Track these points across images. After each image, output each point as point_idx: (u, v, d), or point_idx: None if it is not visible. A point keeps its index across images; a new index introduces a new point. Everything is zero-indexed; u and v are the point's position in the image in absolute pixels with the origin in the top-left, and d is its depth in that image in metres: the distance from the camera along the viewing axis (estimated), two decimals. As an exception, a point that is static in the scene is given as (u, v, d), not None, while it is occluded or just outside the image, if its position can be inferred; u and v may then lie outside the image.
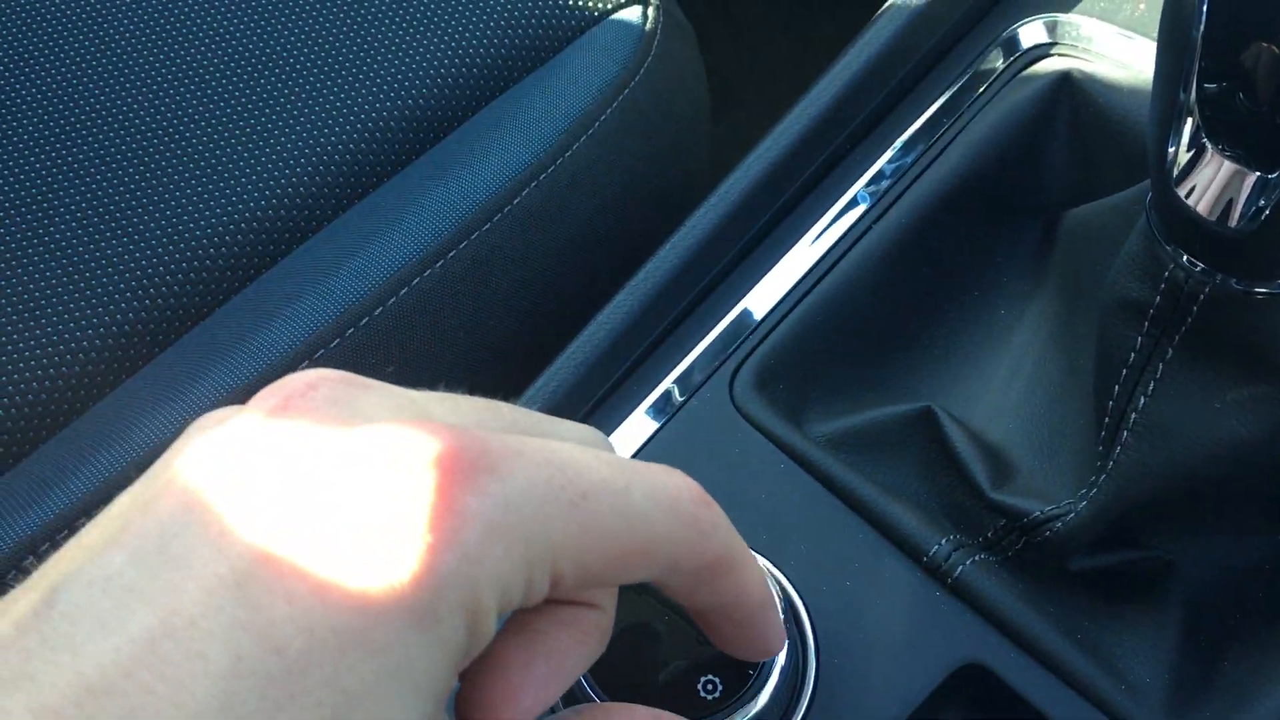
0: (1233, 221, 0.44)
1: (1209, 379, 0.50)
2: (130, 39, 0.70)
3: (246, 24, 0.70)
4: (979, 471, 0.57)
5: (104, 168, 0.66)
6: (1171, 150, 0.45)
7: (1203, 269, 0.47)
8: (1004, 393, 0.62)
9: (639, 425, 0.60)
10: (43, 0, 0.70)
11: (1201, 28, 0.43)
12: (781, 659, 0.51)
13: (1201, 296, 0.48)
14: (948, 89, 0.67)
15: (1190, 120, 0.44)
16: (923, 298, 0.65)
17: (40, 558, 0.54)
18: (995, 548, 0.57)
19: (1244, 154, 0.43)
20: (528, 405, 0.59)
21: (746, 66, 1.39)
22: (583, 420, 0.61)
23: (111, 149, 0.67)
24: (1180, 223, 0.47)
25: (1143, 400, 0.51)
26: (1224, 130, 0.44)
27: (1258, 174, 0.43)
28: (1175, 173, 0.45)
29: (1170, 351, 0.50)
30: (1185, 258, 0.47)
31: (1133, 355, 0.51)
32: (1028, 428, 0.59)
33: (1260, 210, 0.43)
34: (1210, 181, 0.44)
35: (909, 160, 0.65)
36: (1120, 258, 0.51)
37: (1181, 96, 0.44)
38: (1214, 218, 0.45)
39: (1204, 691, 0.53)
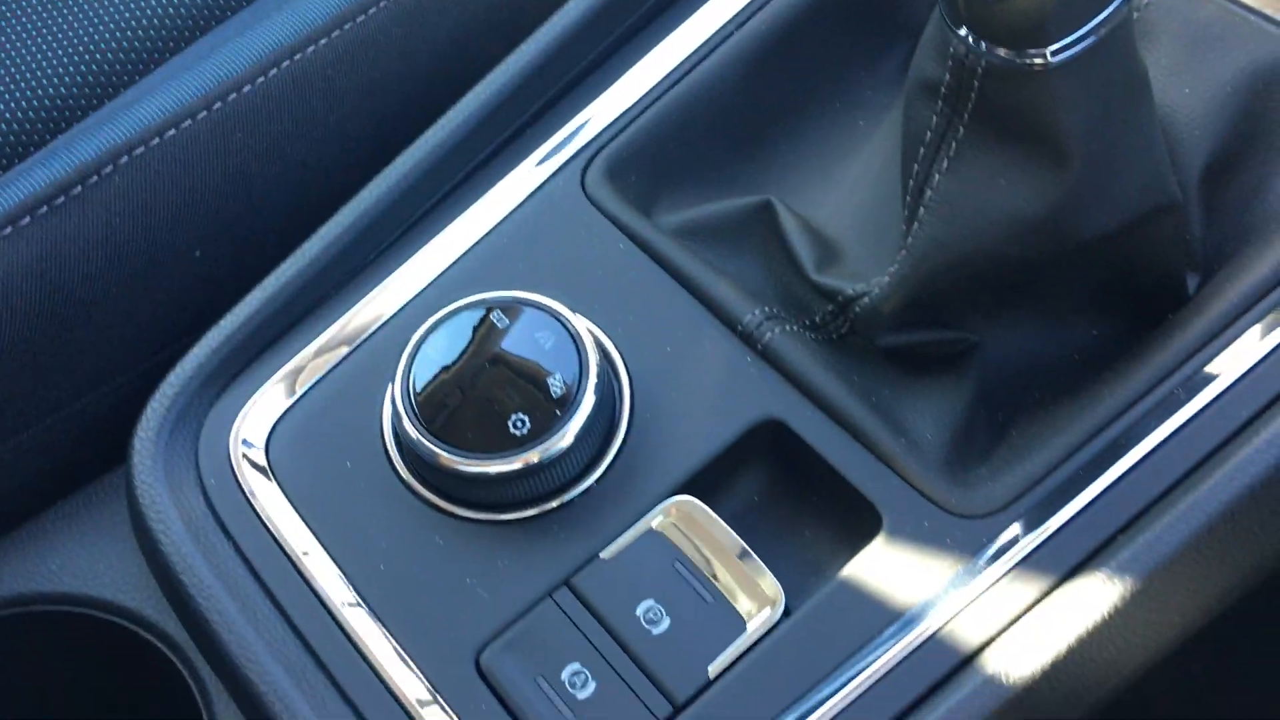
0: (987, -13, 0.47)
1: (995, 156, 0.53)
2: None
3: None
4: (805, 256, 0.61)
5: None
6: (942, -77, 0.48)
7: (979, 42, 0.50)
8: (849, 195, 0.65)
9: (492, 206, 0.64)
10: None
11: None
12: (589, 404, 0.55)
13: (979, 69, 0.51)
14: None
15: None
16: (783, 105, 0.68)
17: None
18: (822, 330, 0.61)
19: None
20: (379, 187, 0.64)
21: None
22: (434, 208, 0.65)
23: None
24: (956, -2, 0.50)
25: (937, 178, 0.55)
26: None
27: (1009, -59, 0.46)
28: (946, -55, 0.48)
29: (961, 130, 0.53)
30: (965, 33, 0.51)
31: (929, 134, 0.54)
32: (860, 222, 0.63)
33: (1010, -26, 0.46)
34: (972, -49, 0.47)
35: (776, -29, 0.68)
36: (920, 43, 0.54)
37: None
38: (974, -14, 0.48)
39: (986, 452, 0.57)
